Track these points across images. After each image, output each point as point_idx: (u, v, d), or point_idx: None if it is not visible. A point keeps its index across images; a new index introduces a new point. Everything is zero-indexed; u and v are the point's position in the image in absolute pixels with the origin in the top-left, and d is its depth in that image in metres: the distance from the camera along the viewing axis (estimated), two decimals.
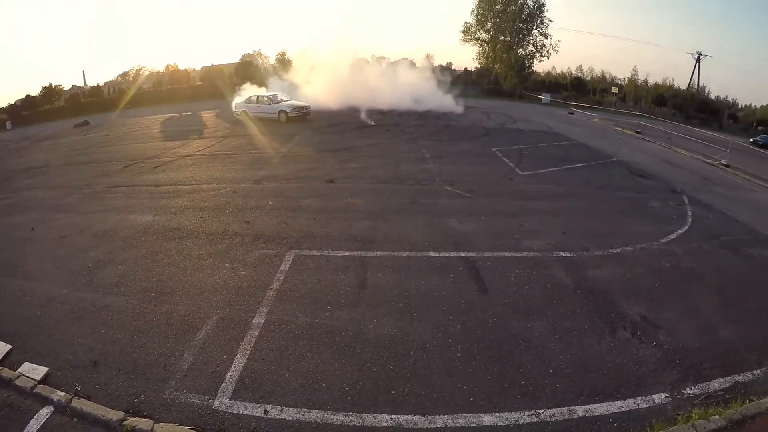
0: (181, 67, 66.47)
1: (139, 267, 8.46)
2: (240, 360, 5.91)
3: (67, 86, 62.85)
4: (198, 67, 67.89)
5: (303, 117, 27.79)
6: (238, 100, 29.78)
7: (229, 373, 5.67)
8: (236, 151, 18.92)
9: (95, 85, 63.53)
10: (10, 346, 6.18)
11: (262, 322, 6.70)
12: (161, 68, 68.69)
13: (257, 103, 28.38)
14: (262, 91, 31.64)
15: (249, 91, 32.84)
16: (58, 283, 7.94)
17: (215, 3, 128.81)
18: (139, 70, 73.49)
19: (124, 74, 73.79)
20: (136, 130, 27.75)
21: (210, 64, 67.49)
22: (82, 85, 66.02)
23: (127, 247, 9.36)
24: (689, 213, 13.10)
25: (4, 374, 5.69)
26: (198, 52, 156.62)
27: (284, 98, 28.92)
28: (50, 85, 57.02)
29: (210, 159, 17.63)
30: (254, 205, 11.73)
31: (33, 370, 5.72)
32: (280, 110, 27.38)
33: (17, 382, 5.56)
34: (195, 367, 5.79)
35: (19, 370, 5.74)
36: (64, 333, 6.50)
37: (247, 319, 6.75)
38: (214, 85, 50.25)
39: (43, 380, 5.60)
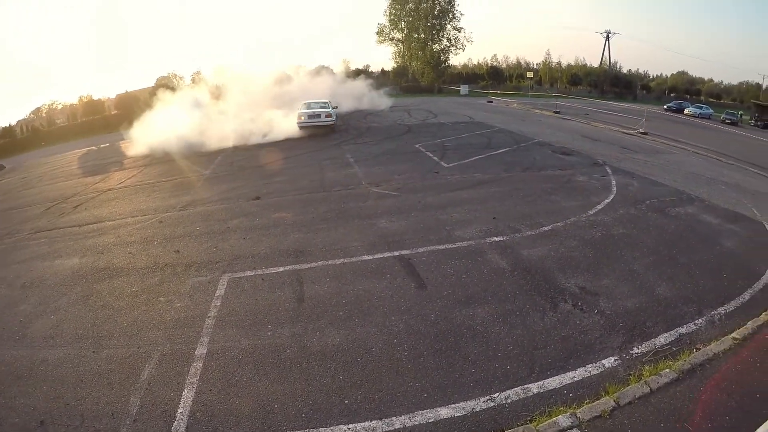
0: (95, 97, 64.00)
1: (72, 314, 8.05)
2: (188, 395, 5.72)
3: None
4: (113, 96, 65.59)
5: None
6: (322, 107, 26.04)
7: (180, 410, 5.49)
8: (159, 179, 18.37)
9: (7, 125, 60.16)
10: None
11: (205, 352, 6.51)
12: (74, 100, 65.95)
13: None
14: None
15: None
16: None
17: (125, 28, 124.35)
18: (52, 104, 70.42)
19: (37, 110, 70.49)
20: (54, 169, 26.53)
21: (125, 91, 65.34)
22: None
23: (57, 294, 8.91)
24: (613, 182, 13.67)
25: None
26: (111, 80, 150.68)
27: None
28: None
29: (133, 190, 17.02)
30: (182, 232, 11.42)
31: None
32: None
33: None
34: (144, 410, 5.57)
35: None
36: (4, 396, 6.10)
37: (189, 352, 6.53)
38: (131, 112, 48.59)
39: None
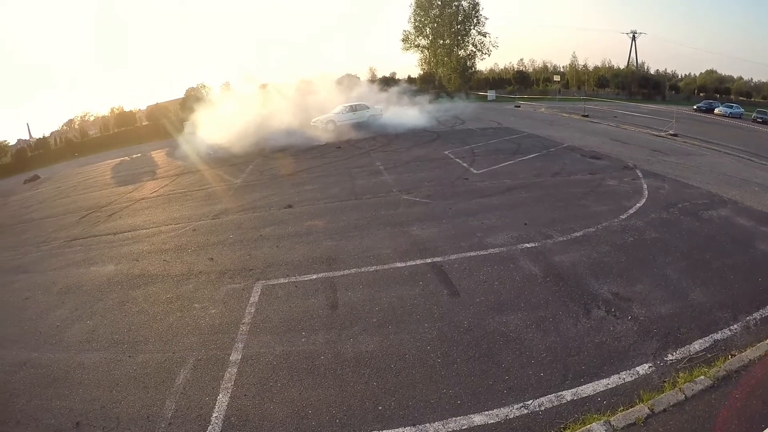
0: (126, 108, 65.39)
1: (108, 319, 8.23)
2: (223, 400, 5.80)
3: (12, 141, 61.23)
4: (143, 107, 66.91)
5: None
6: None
7: (214, 415, 5.56)
8: (191, 188, 18.65)
9: (41, 136, 61.74)
10: None
11: (240, 358, 6.59)
12: (106, 112, 67.48)
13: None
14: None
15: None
16: (27, 347, 7.66)
17: (154, 40, 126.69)
18: (84, 116, 72.17)
19: (70, 122, 72.33)
20: (88, 179, 27.11)
21: (155, 103, 66.59)
22: (27, 138, 64.35)
23: (93, 300, 9.10)
24: (645, 186, 13.49)
25: None
26: (142, 92, 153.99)
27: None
28: None
29: (165, 199, 17.32)
30: (216, 240, 11.57)
31: None
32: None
33: None
34: (179, 414, 5.66)
35: None
36: (41, 397, 6.27)
37: (224, 357, 6.63)
38: (162, 123, 49.29)
39: None
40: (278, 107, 33.43)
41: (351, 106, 32.23)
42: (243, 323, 7.47)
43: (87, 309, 8.76)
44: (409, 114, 34.47)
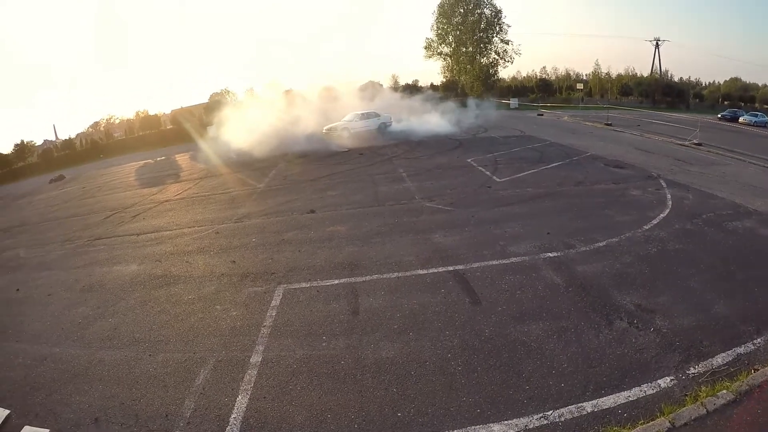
0: (151, 112, 66.18)
1: (130, 318, 8.32)
2: (242, 401, 5.83)
3: (39, 141, 62.44)
4: (168, 111, 67.66)
5: None
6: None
7: (233, 416, 5.58)
8: (214, 192, 18.80)
9: (67, 138, 62.84)
10: (8, 411, 5.99)
11: (260, 360, 6.62)
12: (131, 115, 68.40)
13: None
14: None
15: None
16: (49, 342, 7.77)
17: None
18: (110, 118, 73.31)
19: (95, 124, 73.51)
20: (113, 180, 27.46)
21: (180, 107, 67.29)
22: (54, 139, 65.51)
23: (115, 299, 9.21)
24: (668, 196, 13.34)
25: None
26: (167, 95, 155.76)
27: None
28: (22, 141, 56.42)
29: (189, 202, 17.48)
30: (238, 243, 11.65)
31: None
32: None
33: None
34: (197, 414, 5.69)
35: None
36: (61, 392, 6.35)
37: (244, 359, 6.66)
38: (186, 127, 49.81)
39: None
40: (301, 113, 33.89)
41: (362, 114, 32.70)
42: (264, 326, 7.50)
43: (109, 307, 8.87)
44: (431, 121, 34.68)
